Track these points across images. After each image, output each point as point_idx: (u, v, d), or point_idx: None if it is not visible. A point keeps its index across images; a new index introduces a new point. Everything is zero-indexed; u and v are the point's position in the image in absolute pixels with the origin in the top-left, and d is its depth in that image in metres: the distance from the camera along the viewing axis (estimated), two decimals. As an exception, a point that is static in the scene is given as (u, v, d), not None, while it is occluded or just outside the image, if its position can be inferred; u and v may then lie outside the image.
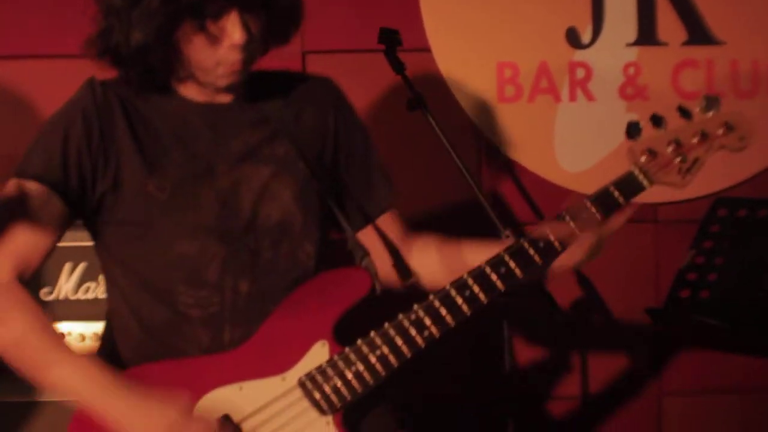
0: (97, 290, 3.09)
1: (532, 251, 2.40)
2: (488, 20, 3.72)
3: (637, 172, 2.40)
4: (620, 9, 3.79)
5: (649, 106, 3.79)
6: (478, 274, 2.39)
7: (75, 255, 3.05)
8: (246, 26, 2.30)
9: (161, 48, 2.31)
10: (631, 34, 3.80)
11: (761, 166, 3.83)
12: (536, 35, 3.75)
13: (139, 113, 2.40)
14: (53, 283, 3.07)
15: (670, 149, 2.38)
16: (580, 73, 3.78)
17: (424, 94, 3.03)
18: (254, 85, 2.44)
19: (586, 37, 3.78)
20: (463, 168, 2.98)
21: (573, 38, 3.77)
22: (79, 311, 3.04)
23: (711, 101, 2.40)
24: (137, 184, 2.36)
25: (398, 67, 3.06)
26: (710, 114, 2.40)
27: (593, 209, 2.39)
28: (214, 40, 2.30)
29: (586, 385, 3.67)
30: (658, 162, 2.39)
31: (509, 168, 3.74)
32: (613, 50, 3.80)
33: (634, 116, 3.77)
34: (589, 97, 3.79)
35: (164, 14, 2.26)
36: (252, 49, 2.35)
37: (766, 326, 3.18)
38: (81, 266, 3.10)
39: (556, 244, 2.40)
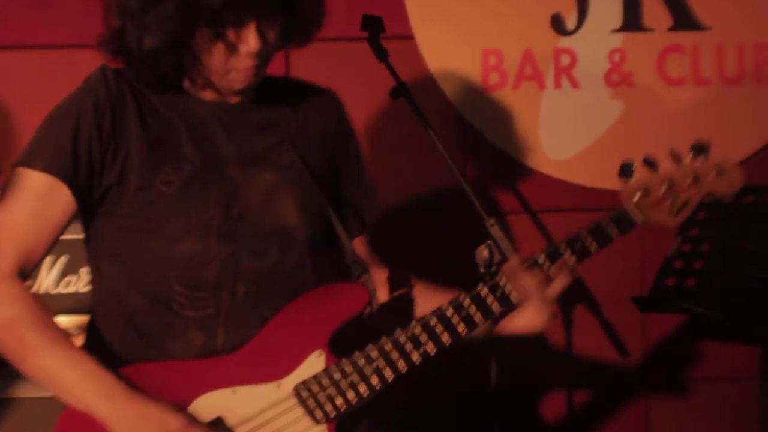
0: (78, 284, 3.06)
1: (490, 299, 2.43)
2: (472, 7, 3.70)
3: (630, 208, 2.47)
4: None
5: (634, 93, 3.80)
6: (474, 296, 2.41)
7: (55, 248, 3.01)
8: (262, 34, 2.28)
9: (174, 53, 2.28)
10: (617, 20, 3.78)
11: (747, 153, 3.83)
12: (521, 22, 3.73)
13: (151, 105, 2.37)
14: (33, 276, 3.04)
15: (662, 189, 2.46)
16: (565, 59, 3.76)
17: (408, 82, 3.00)
18: (261, 89, 2.42)
19: (570, 24, 3.76)
20: (447, 156, 2.96)
21: (558, 25, 3.75)
22: (61, 305, 3.02)
23: (701, 147, 2.49)
24: (145, 177, 2.33)
25: (381, 54, 3.03)
26: (700, 159, 2.49)
27: (589, 240, 2.46)
28: (230, 46, 2.28)
29: (573, 375, 3.66)
30: (650, 200, 2.47)
31: (494, 155, 3.72)
32: (599, 37, 3.78)
33: (619, 103, 3.80)
34: (574, 84, 3.77)
35: (180, 20, 2.23)
36: (267, 53, 2.33)
37: (753, 314, 3.18)
38: (62, 260, 3.07)
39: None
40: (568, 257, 2.44)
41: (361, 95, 3.53)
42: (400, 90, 3.02)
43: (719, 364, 3.79)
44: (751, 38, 3.85)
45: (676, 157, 2.47)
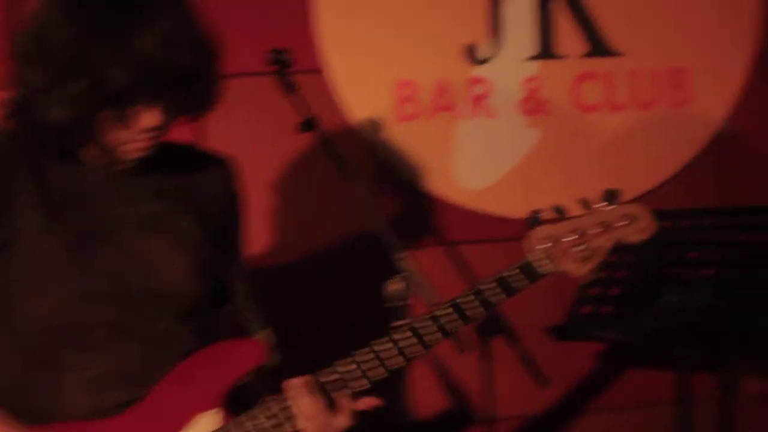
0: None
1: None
2: (385, 39, 3.66)
3: (538, 257, 2.43)
4: (519, 23, 3.77)
5: (549, 121, 3.80)
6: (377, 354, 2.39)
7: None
8: (163, 111, 2.26)
9: (77, 129, 2.24)
10: (531, 48, 3.78)
11: (662, 177, 3.84)
12: (434, 52, 3.70)
13: (44, 168, 2.33)
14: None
15: (571, 238, 2.43)
16: (480, 89, 3.75)
17: (320, 116, 2.97)
18: (158, 155, 2.38)
19: (485, 53, 3.75)
20: (360, 191, 2.94)
21: (472, 54, 3.74)
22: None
23: (611, 194, 2.46)
24: (34, 240, 2.28)
25: (290, 88, 3.01)
26: (610, 206, 2.46)
27: (497, 291, 2.41)
28: (129, 122, 2.25)
29: (492, 407, 3.62)
30: (559, 249, 2.43)
31: (408, 188, 3.69)
32: (513, 65, 3.77)
33: (535, 131, 3.79)
34: (490, 114, 3.76)
35: (88, 102, 2.19)
36: (165, 127, 2.31)
37: (669, 339, 3.18)
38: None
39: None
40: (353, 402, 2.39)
41: (270, 131, 3.51)
42: (309, 124, 3.00)
43: (638, 390, 3.78)
44: (664, 63, 3.87)
45: (585, 205, 2.46)
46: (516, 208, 3.66)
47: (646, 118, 3.85)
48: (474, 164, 3.75)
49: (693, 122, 3.86)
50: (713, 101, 3.89)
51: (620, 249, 3.06)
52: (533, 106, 3.78)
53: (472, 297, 2.41)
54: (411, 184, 3.70)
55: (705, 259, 3.22)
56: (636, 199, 3.64)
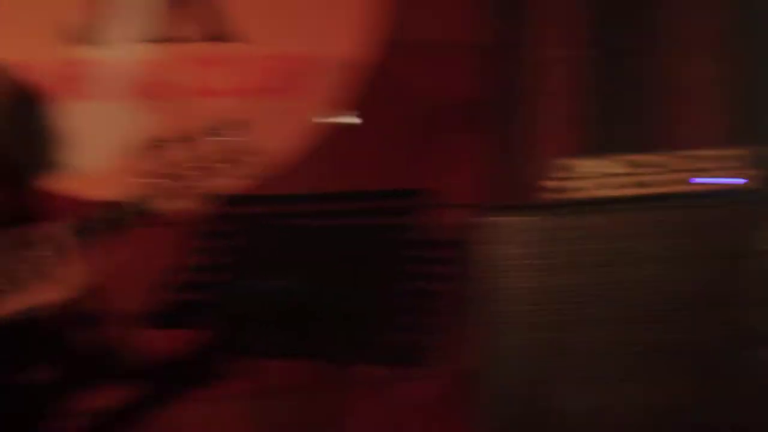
0: None
1: None
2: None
3: (135, 200, 2.40)
4: (139, 4, 3.72)
5: (169, 105, 3.77)
6: None
7: None
8: None
9: None
10: (152, 30, 3.74)
11: (286, 161, 3.90)
12: (39, 33, 3.61)
13: None
14: None
15: (175, 174, 2.40)
16: (92, 71, 3.67)
17: None
18: None
19: (104, 34, 3.68)
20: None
21: (86, 35, 3.65)
22: None
23: (216, 130, 2.44)
24: None
25: None
26: (216, 142, 2.44)
27: (96, 224, 2.39)
28: None
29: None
30: (161, 188, 2.40)
31: (14, 176, 3.53)
32: (130, 47, 3.72)
33: (154, 115, 3.76)
34: (102, 97, 3.68)
35: None
36: None
37: (266, 328, 3.19)
38: None
39: None
40: None
41: None
42: None
43: (247, 379, 3.76)
44: (293, 49, 3.92)
45: (195, 139, 2.42)
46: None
47: (271, 104, 3.89)
48: (86, 150, 3.66)
49: (312, 109, 3.94)
50: (332, 88, 3.98)
51: (222, 235, 3.06)
52: (149, 90, 3.74)
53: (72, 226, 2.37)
54: (21, 168, 3.57)
55: (307, 244, 3.26)
56: (258, 186, 3.72)
